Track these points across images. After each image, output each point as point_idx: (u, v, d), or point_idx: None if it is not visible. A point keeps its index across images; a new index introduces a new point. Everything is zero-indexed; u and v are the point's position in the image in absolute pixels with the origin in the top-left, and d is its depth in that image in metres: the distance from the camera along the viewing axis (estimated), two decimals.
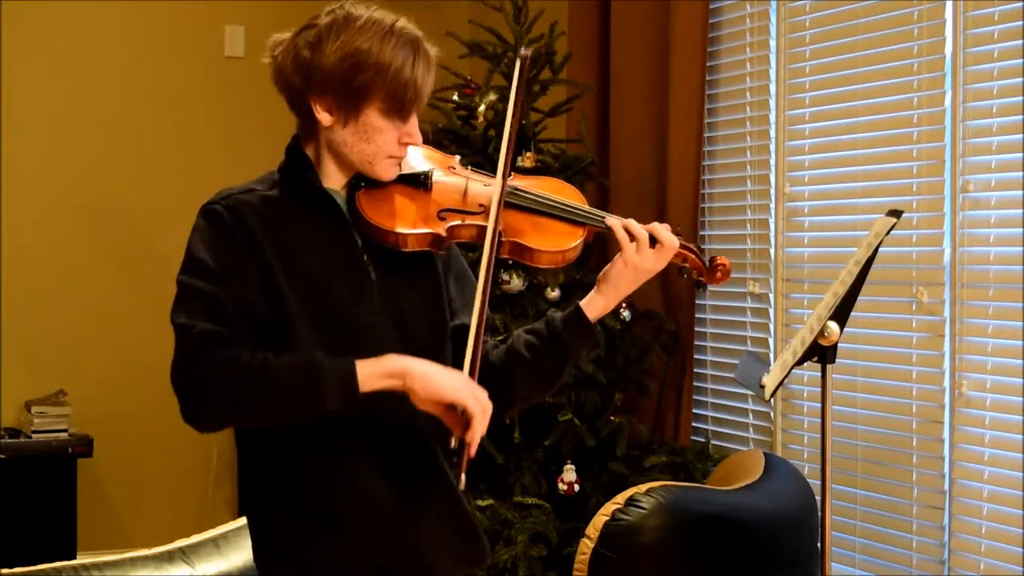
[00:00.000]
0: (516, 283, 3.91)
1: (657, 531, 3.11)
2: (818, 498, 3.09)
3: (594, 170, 4.33)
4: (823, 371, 2.47)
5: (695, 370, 4.28)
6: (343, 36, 1.92)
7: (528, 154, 4.06)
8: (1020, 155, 3.20)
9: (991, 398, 3.31)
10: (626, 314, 4.01)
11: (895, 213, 2.50)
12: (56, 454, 4.61)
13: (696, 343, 4.29)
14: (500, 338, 2.13)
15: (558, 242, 2.02)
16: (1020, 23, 3.20)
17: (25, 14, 4.86)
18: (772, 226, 4.02)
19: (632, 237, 2.01)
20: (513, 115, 1.99)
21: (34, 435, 4.64)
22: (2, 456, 4.51)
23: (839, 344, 2.44)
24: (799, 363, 2.49)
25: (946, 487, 3.43)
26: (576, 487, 3.86)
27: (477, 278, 1.93)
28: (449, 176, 2.06)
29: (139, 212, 5.08)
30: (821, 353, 2.45)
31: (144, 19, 5.08)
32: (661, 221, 4.47)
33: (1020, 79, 3.20)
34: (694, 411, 4.28)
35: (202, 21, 5.18)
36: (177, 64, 5.15)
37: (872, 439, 3.65)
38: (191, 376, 1.81)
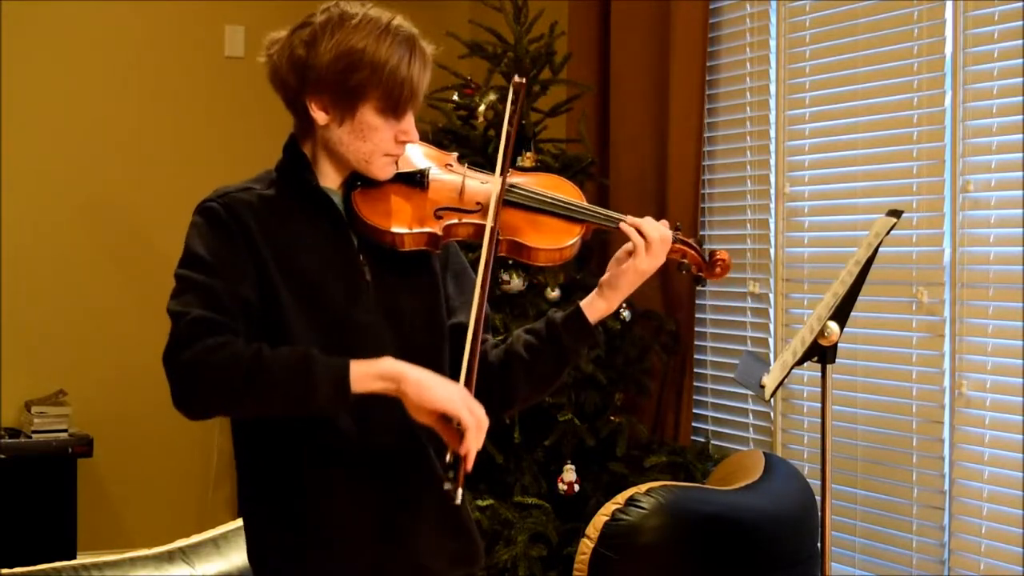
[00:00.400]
0: (516, 283, 3.91)
1: (657, 531, 3.11)
2: (818, 498, 3.09)
3: (594, 170, 4.33)
4: (823, 371, 2.47)
5: (695, 370, 4.28)
6: (338, 35, 1.91)
7: (528, 154, 4.06)
8: (1020, 155, 3.20)
9: (991, 398, 3.31)
10: (626, 314, 4.01)
11: (895, 213, 2.50)
12: (56, 454, 4.61)
13: (696, 343, 4.29)
14: (500, 338, 2.13)
15: (556, 239, 2.01)
16: (1020, 23, 3.20)
17: (25, 14, 4.86)
18: (772, 226, 4.01)
19: (647, 240, 2.02)
20: (507, 141, 1.97)
21: (34, 435, 4.64)
22: (2, 456, 4.51)
23: (839, 344, 2.44)
24: (799, 363, 2.49)
25: (946, 487, 3.42)
26: (576, 487, 3.86)
27: (476, 276, 1.92)
28: (446, 174, 2.05)
29: (139, 212, 5.08)
30: (821, 353, 2.45)
31: (144, 19, 5.08)
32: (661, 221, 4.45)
33: (1020, 79, 3.20)
34: (694, 411, 4.28)
35: (202, 21, 5.18)
36: (177, 64, 5.15)
37: (872, 439, 3.65)
38: (183, 360, 1.80)
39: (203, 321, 1.81)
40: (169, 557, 2.68)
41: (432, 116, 4.21)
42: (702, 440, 4.23)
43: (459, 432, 1.80)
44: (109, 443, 4.84)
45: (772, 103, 4.02)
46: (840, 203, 3.81)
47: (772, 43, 4.03)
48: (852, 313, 2.45)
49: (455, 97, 4.20)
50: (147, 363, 4.85)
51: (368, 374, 1.81)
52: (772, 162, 4.02)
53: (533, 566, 3.66)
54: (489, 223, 1.94)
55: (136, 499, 5.07)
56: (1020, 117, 3.20)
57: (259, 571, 2.00)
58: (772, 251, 4.02)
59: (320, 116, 1.94)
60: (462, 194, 2.01)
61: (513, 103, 1.99)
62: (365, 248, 1.97)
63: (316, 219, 1.96)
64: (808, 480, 3.57)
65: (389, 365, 1.82)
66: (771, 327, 4.02)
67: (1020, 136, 3.20)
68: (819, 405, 2.54)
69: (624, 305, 3.95)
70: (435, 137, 4.09)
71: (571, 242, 2.02)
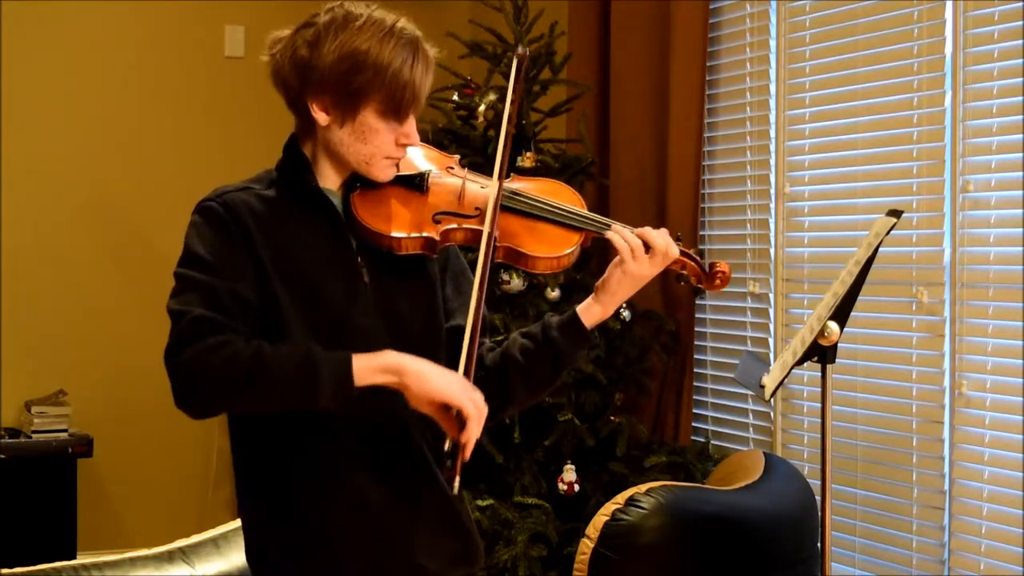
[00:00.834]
0: (516, 283, 3.91)
1: (657, 531, 3.11)
2: (818, 498, 3.09)
3: (594, 170, 4.33)
4: (823, 371, 2.48)
5: (695, 370, 4.28)
6: (341, 36, 1.90)
7: (528, 154, 4.06)
8: (1020, 155, 3.20)
9: (991, 398, 3.31)
10: (626, 314, 4.01)
11: (895, 213, 2.50)
12: (56, 454, 4.61)
13: (696, 343, 4.29)
14: (499, 338, 2.12)
15: (554, 248, 2.00)
16: (1020, 23, 3.20)
17: (25, 14, 4.86)
18: (772, 226, 4.02)
19: (631, 248, 2.00)
20: (510, 115, 1.97)
21: (34, 435, 4.64)
22: (2, 456, 4.51)
23: (839, 344, 2.44)
24: (799, 363, 2.49)
25: (946, 487, 3.43)
26: (576, 487, 3.86)
27: (474, 278, 1.92)
28: (446, 178, 2.04)
29: (139, 212, 5.08)
30: (821, 353, 2.45)
31: (144, 19, 5.08)
32: (661, 221, 4.49)
33: (1020, 79, 3.20)
34: (694, 411, 4.28)
35: (202, 21, 5.18)
36: (177, 64, 5.15)
37: (872, 439, 3.65)
38: (184, 359, 1.79)
39: (204, 320, 1.81)
40: (169, 557, 2.68)
41: (432, 116, 4.21)
42: (702, 440, 4.23)
43: (459, 422, 1.81)
44: (109, 443, 4.84)
45: (772, 103, 4.02)
46: (840, 203, 3.81)
47: (772, 43, 4.03)
48: (852, 313, 2.45)
49: (455, 97, 4.20)
50: (147, 363, 4.85)
51: (370, 367, 1.81)
52: (772, 162, 4.02)
53: (533, 566, 3.66)
54: (486, 229, 1.92)
55: (136, 499, 5.07)
56: (1020, 117, 3.20)
57: (257, 571, 2.00)
58: (772, 251, 4.02)
59: (321, 117, 1.94)
60: (461, 198, 2.00)
61: (515, 77, 1.97)
62: (363, 250, 1.97)
63: (315, 220, 1.96)
64: (808, 480, 3.57)
65: (391, 358, 1.83)
66: (771, 327, 4.03)
67: (1020, 136, 3.20)
68: (819, 405, 2.54)
69: (624, 305, 3.95)
70: (435, 137, 4.09)
71: (569, 251, 2.01)
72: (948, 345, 3.42)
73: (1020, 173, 3.21)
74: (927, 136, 3.49)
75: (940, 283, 3.43)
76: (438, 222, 1.96)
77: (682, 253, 2.05)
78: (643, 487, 3.22)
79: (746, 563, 3.20)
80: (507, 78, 4.13)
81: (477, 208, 1.99)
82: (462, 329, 1.91)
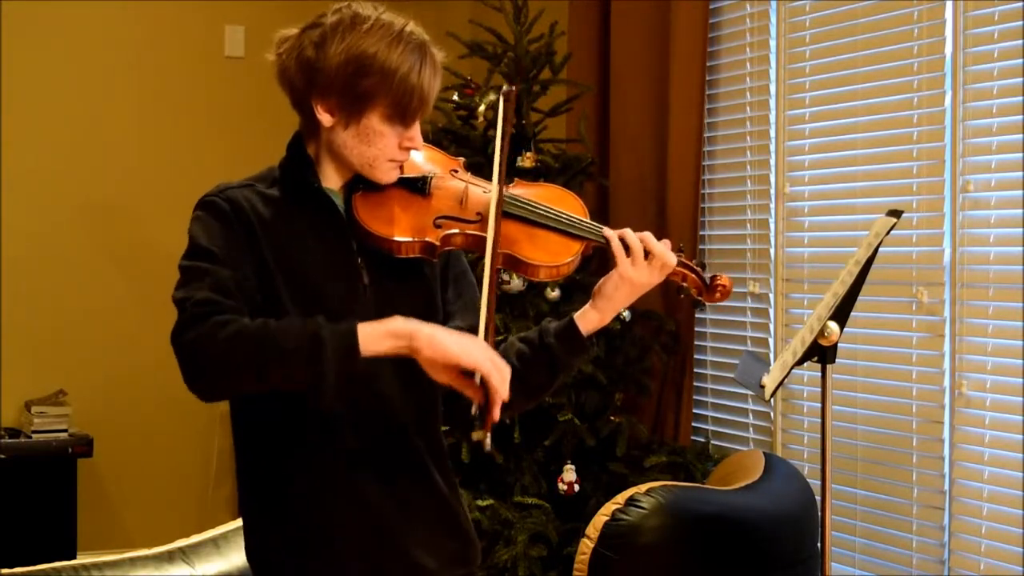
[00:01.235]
0: (516, 283, 3.91)
1: (657, 531, 3.11)
2: (818, 498, 3.09)
3: (594, 170, 4.33)
4: (823, 371, 2.48)
5: (695, 370, 4.28)
6: (349, 38, 1.89)
7: (528, 154, 4.06)
8: (1020, 155, 3.20)
9: (991, 398, 3.31)
10: (626, 314, 4.00)
11: (895, 213, 2.50)
12: (56, 454, 4.62)
13: (696, 343, 4.29)
14: (499, 339, 2.12)
15: (554, 256, 1.98)
16: (1020, 23, 3.20)
17: (25, 14, 4.87)
18: (772, 226, 4.01)
19: (628, 250, 1.97)
20: (500, 156, 1.94)
21: (34, 435, 4.64)
22: (2, 456, 4.51)
23: (839, 344, 2.44)
24: (799, 363, 2.50)
25: (946, 487, 3.42)
26: (576, 487, 3.86)
27: (477, 284, 1.90)
28: (449, 181, 2.03)
29: (139, 212, 5.08)
30: (821, 353, 2.45)
31: (144, 19, 5.08)
32: (661, 220, 4.47)
33: (1020, 79, 3.20)
34: (694, 411, 4.28)
35: (202, 21, 5.18)
36: (177, 64, 5.15)
37: (872, 439, 3.65)
38: (191, 338, 1.76)
39: (209, 301, 1.79)
40: (169, 557, 2.68)
41: (432, 116, 4.20)
42: (702, 440, 4.23)
43: (480, 386, 1.76)
44: (109, 443, 4.84)
45: (772, 103, 4.01)
46: (840, 203, 3.81)
47: (772, 43, 4.03)
48: (852, 313, 2.45)
49: (455, 97, 4.20)
50: (147, 363, 4.90)
51: (377, 334, 1.78)
52: (772, 162, 4.02)
53: (533, 566, 3.66)
54: (490, 236, 1.91)
55: (136, 499, 5.07)
56: (1020, 117, 3.20)
57: (257, 569, 2.00)
58: (772, 251, 4.02)
59: (326, 118, 1.93)
60: (463, 203, 1.99)
61: (505, 110, 1.96)
62: (364, 251, 1.96)
63: (317, 221, 1.96)
64: (808, 480, 3.57)
65: (399, 323, 1.79)
66: (771, 327, 4.03)
67: (1020, 136, 3.20)
68: (819, 405, 2.54)
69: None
70: (435, 137, 4.09)
71: (569, 260, 1.99)
72: (948, 345, 3.42)
73: (1020, 173, 3.21)
74: (927, 136, 3.48)
75: (940, 283, 3.43)
76: (439, 226, 1.95)
77: (683, 264, 2.03)
78: (643, 487, 3.22)
79: (746, 563, 3.20)
80: (507, 78, 4.14)
81: (479, 214, 1.97)
82: (463, 331, 1.89)
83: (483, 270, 1.90)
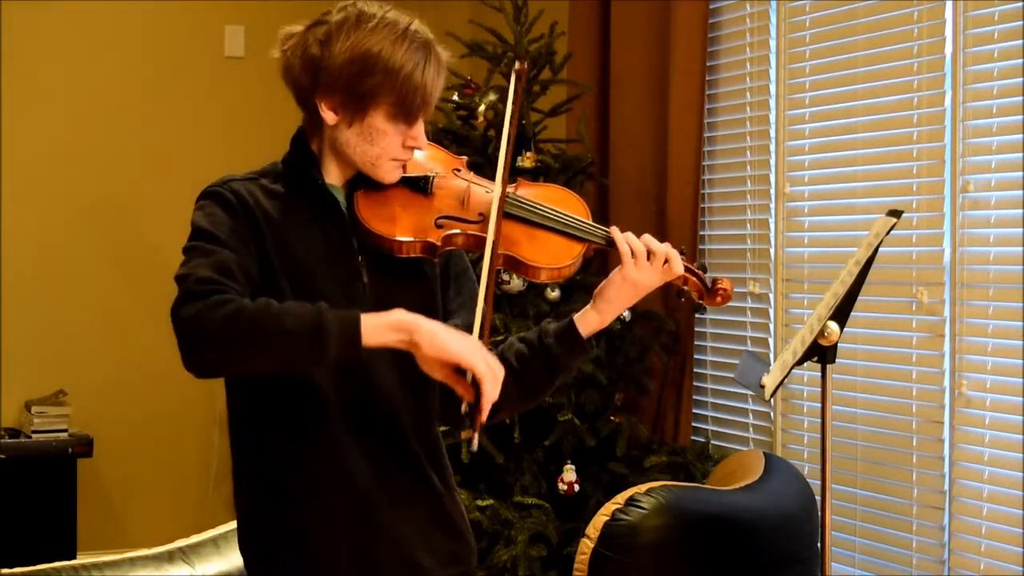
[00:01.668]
0: (516, 283, 3.91)
1: (657, 531, 3.11)
2: (818, 498, 3.09)
3: (594, 170, 4.33)
4: (823, 371, 2.48)
5: (695, 370, 4.28)
6: (354, 36, 1.89)
7: (528, 154, 4.06)
8: (1020, 155, 3.20)
9: (991, 398, 3.31)
10: (626, 314, 4.00)
11: (895, 213, 2.50)
12: (56, 454, 4.62)
13: (696, 343, 4.29)
14: (499, 339, 2.12)
15: (555, 258, 1.97)
16: (1020, 23, 3.20)
17: (25, 14, 4.87)
18: (772, 226, 4.02)
19: (633, 251, 1.97)
20: (510, 131, 1.95)
21: (34, 435, 4.64)
22: (2, 456, 4.51)
23: (839, 344, 2.44)
24: (799, 363, 2.50)
25: (946, 487, 3.42)
26: (576, 487, 3.86)
27: (477, 283, 1.89)
28: (451, 181, 2.02)
29: (139, 212, 5.08)
30: (821, 353, 2.45)
31: (144, 19, 5.08)
32: (661, 221, 4.47)
33: (1020, 79, 3.20)
34: (694, 411, 4.28)
35: (202, 21, 5.18)
36: (177, 64, 5.15)
37: (872, 439, 3.65)
38: (191, 313, 1.74)
39: (211, 280, 1.78)
40: (169, 557, 2.68)
41: (432, 116, 4.18)
42: (702, 440, 4.23)
43: (473, 386, 1.77)
44: (109, 443, 4.84)
45: (772, 103, 4.02)
46: (840, 203, 3.81)
47: (772, 43, 4.03)
48: (852, 313, 2.46)
49: (455, 97, 4.20)
50: (147, 363, 4.90)
51: (380, 325, 1.77)
52: (772, 162, 4.02)
53: (533, 566, 3.66)
54: (490, 237, 1.90)
55: (136, 499, 5.07)
56: (1020, 117, 3.20)
57: (250, 563, 2.00)
58: (772, 251, 4.02)
59: (329, 116, 1.92)
60: (465, 203, 1.99)
61: (515, 91, 1.95)
62: (364, 249, 1.96)
63: (319, 218, 1.95)
64: (808, 480, 3.57)
65: (401, 316, 1.79)
66: (771, 327, 4.03)
67: (1020, 136, 3.20)
68: (819, 405, 2.54)
69: None
70: (435, 137, 4.09)
71: (570, 262, 1.98)
72: (948, 345, 3.42)
73: (1020, 173, 3.21)
74: (927, 136, 3.49)
75: (940, 283, 3.43)
76: (440, 226, 1.95)
77: (686, 268, 2.03)
78: (643, 487, 3.22)
79: (746, 563, 3.20)
80: (507, 78, 4.14)
81: (481, 214, 1.96)
82: (461, 329, 1.89)
83: (483, 270, 1.90)
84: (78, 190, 4.98)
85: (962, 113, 3.37)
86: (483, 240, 1.92)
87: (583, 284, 3.96)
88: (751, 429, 4.12)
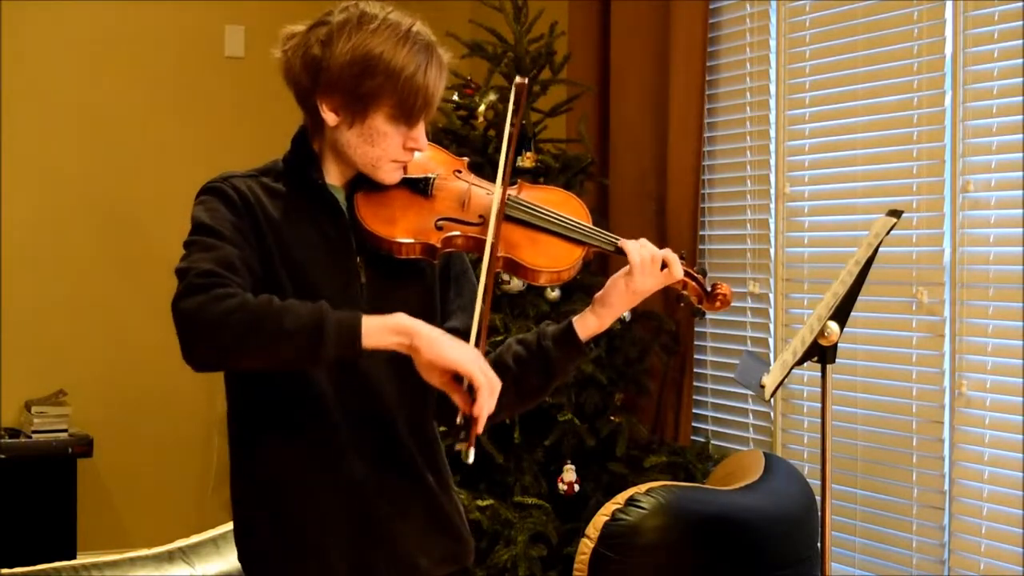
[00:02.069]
0: (516, 283, 3.91)
1: (657, 531, 3.11)
2: (818, 498, 3.09)
3: (594, 170, 4.33)
4: (823, 371, 2.48)
5: (695, 370, 4.28)
6: (355, 37, 1.88)
7: (528, 154, 4.06)
8: (1020, 155, 3.20)
9: (991, 398, 3.31)
10: (626, 314, 4.00)
11: (895, 213, 2.50)
12: (56, 454, 4.62)
13: (696, 343, 4.29)
14: (498, 339, 2.12)
15: (555, 261, 1.97)
16: (1020, 23, 3.20)
17: (25, 14, 4.87)
18: (772, 226, 4.02)
19: (642, 261, 1.97)
20: (509, 141, 1.94)
21: (34, 435, 4.64)
22: (2, 456, 4.51)
23: (839, 344, 2.44)
24: (799, 363, 2.50)
25: (946, 487, 3.42)
26: (576, 487, 3.86)
27: (476, 281, 1.89)
28: (452, 182, 2.02)
29: (139, 212, 5.08)
30: (821, 353, 2.45)
31: (144, 19, 5.09)
32: (661, 221, 4.47)
33: (1020, 79, 3.20)
34: (694, 411, 4.28)
35: (202, 21, 5.18)
36: (177, 64, 5.15)
37: (872, 439, 3.65)
38: (191, 306, 1.74)
39: (213, 273, 1.77)
40: (169, 557, 2.68)
41: (432, 116, 4.20)
42: (702, 440, 4.23)
43: (469, 394, 1.77)
44: (109, 443, 4.84)
45: (772, 103, 4.02)
46: (840, 203, 3.81)
47: (772, 43, 4.03)
48: (852, 313, 2.45)
49: (455, 97, 4.20)
50: (147, 364, 4.90)
51: (381, 327, 1.77)
52: (772, 162, 4.02)
53: (533, 566, 3.66)
54: (489, 241, 1.90)
55: (136, 499, 5.07)
56: (1020, 117, 3.20)
57: (246, 562, 2.00)
58: (772, 251, 4.02)
59: (330, 117, 1.92)
60: (465, 205, 1.98)
61: (515, 104, 1.96)
62: (363, 249, 1.96)
63: (319, 217, 1.95)
64: (808, 480, 3.57)
65: (402, 319, 1.79)
66: (771, 327, 4.03)
67: (1020, 136, 3.20)
68: (819, 405, 2.54)
69: None
70: (435, 137, 4.09)
71: (570, 265, 1.98)
72: (948, 345, 3.42)
73: (1020, 173, 3.21)
74: (927, 136, 3.49)
75: (940, 283, 3.43)
76: (440, 228, 1.95)
77: (686, 272, 2.03)
78: (643, 487, 3.22)
79: (746, 563, 3.20)
80: (507, 78, 4.14)
81: (481, 216, 1.96)
82: (459, 331, 1.89)
83: (482, 273, 1.90)
84: (78, 190, 4.98)
85: (962, 113, 3.37)
86: (483, 242, 1.92)
87: (583, 284, 3.96)
88: (751, 429, 4.12)
